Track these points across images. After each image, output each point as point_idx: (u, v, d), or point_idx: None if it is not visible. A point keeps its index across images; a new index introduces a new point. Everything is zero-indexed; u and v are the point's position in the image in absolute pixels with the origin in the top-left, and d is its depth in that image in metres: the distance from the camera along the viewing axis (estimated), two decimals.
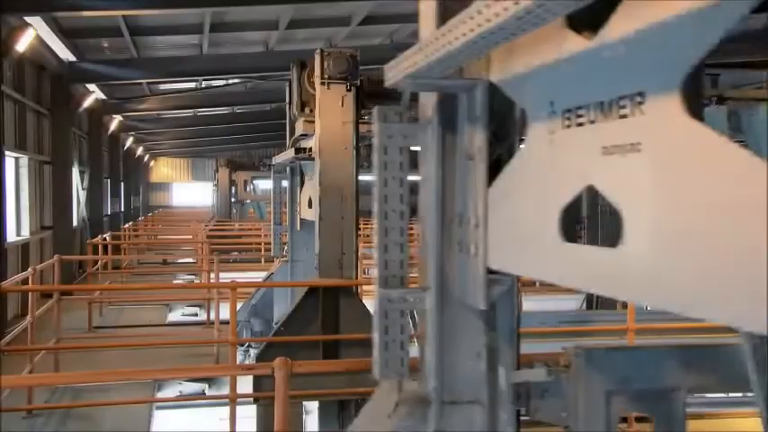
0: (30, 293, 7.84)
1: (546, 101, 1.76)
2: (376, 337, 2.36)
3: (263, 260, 17.36)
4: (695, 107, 1.33)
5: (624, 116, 1.45)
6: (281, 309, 8.74)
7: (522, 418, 2.45)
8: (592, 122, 1.58)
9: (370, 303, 7.28)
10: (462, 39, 1.59)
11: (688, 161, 1.27)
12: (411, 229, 2.53)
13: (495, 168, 2.14)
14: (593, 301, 13.07)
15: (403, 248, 2.33)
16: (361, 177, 6.98)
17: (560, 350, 2.36)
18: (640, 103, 1.39)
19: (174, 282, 15.29)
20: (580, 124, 1.62)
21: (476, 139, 2.19)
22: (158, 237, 25.19)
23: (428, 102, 2.36)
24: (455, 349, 2.38)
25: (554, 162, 1.74)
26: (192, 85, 21.57)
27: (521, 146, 2.17)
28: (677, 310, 1.31)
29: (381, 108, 2.30)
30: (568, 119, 1.67)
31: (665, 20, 1.28)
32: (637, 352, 2.40)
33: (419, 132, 2.34)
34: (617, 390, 2.32)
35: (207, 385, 8.13)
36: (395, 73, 2.14)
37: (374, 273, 2.34)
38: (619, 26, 1.43)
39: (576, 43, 1.61)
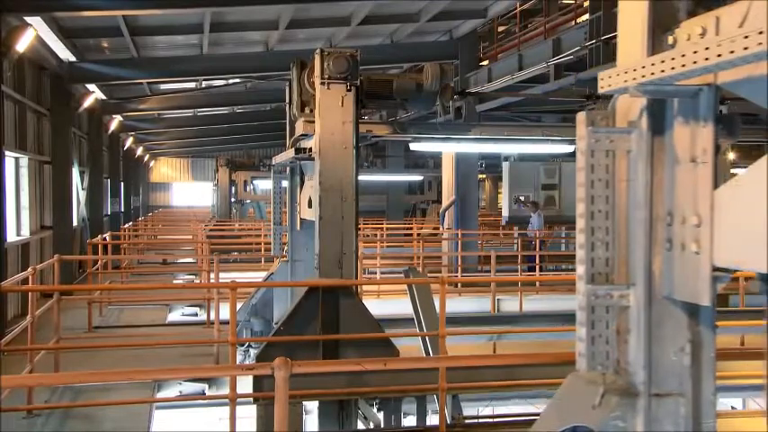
0: (30, 293, 7.82)
1: None
2: (582, 331, 2.47)
3: (263, 260, 17.35)
4: None
5: None
6: (281, 309, 8.74)
7: None
8: None
9: (369, 304, 7.29)
10: (748, 51, 1.72)
11: None
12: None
13: None
14: None
15: (608, 247, 2.46)
16: (360, 177, 6.98)
17: None
18: None
19: (174, 282, 15.28)
20: None
21: (699, 142, 2.27)
22: (158, 237, 25.17)
23: (632, 106, 2.46)
24: (660, 343, 2.49)
25: None
26: (192, 85, 21.57)
27: None
28: None
29: (589, 113, 2.44)
30: None
31: None
32: None
33: (623, 136, 2.46)
34: None
35: (207, 385, 8.13)
36: (618, 80, 2.28)
37: (579, 270, 2.47)
38: None
39: None
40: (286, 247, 9.36)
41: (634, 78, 2.19)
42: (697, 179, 2.27)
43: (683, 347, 2.48)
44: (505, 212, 21.05)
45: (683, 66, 1.97)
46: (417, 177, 30.88)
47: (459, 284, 13.93)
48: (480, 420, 7.23)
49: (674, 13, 2.32)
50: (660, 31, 2.33)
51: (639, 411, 2.46)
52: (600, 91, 2.39)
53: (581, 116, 2.44)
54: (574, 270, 2.54)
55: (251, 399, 6.54)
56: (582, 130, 2.42)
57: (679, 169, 2.34)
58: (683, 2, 2.31)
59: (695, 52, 1.93)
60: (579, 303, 2.48)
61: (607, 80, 2.34)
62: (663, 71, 2.06)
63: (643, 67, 2.15)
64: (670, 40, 2.28)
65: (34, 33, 11.76)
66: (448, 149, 16.85)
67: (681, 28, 2.26)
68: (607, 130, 2.44)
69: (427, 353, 7.75)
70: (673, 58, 2.02)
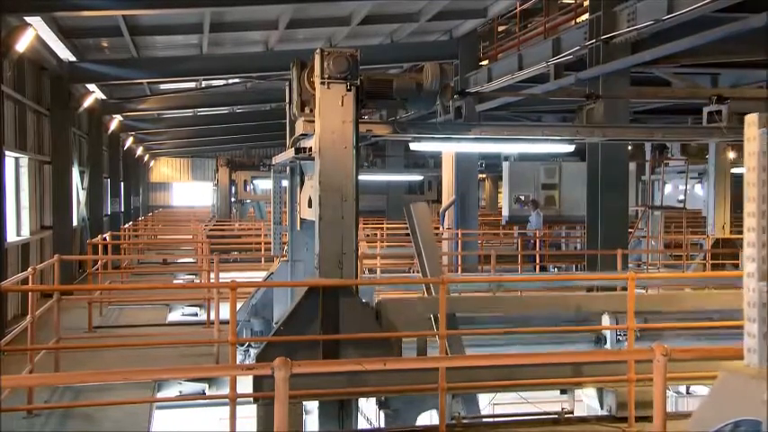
0: (30, 293, 7.82)
1: None
2: (754, 327, 2.50)
3: (263, 260, 17.35)
4: None
5: None
6: (281, 309, 8.74)
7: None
8: None
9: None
10: None
11: None
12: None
13: None
14: None
15: None
16: (360, 177, 6.97)
17: None
18: None
19: (174, 282, 15.28)
20: None
21: None
22: (158, 236, 25.17)
23: None
24: None
25: None
26: (192, 85, 21.57)
27: None
28: None
29: (761, 115, 2.49)
30: None
31: None
32: None
33: None
34: None
35: (207, 385, 8.13)
36: None
37: (749, 267, 2.51)
38: None
39: None
40: (286, 247, 9.36)
41: None
42: None
43: None
44: (505, 212, 21.06)
45: None
46: (417, 177, 30.87)
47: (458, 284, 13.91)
48: (480, 420, 7.24)
49: None
50: None
51: None
52: None
53: (752, 118, 2.48)
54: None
55: (251, 399, 6.54)
56: (753, 132, 2.46)
57: None
58: None
59: None
60: (751, 300, 2.52)
61: None
62: None
63: None
64: None
65: (34, 33, 11.75)
66: (448, 149, 16.85)
67: None
68: None
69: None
70: None
